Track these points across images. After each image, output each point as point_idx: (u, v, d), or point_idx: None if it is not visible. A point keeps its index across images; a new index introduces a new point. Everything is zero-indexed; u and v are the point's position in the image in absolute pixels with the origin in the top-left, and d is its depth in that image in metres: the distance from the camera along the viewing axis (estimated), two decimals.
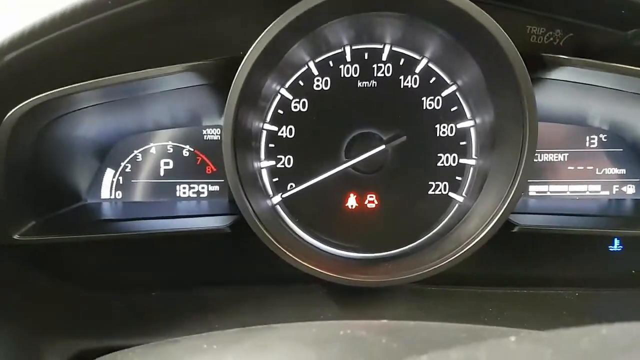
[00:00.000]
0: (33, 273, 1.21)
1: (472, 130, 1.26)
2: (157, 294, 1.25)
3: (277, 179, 1.28)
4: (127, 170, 1.38)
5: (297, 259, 1.15)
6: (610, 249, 1.31)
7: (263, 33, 1.05)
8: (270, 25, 1.05)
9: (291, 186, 1.28)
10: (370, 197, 1.29)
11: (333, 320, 1.14)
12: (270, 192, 1.29)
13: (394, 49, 1.24)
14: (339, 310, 1.21)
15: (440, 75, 1.25)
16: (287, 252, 1.15)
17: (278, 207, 1.29)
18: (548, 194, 1.39)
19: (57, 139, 1.20)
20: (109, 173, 1.38)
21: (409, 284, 1.23)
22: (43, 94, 1.03)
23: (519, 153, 1.13)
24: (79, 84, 1.04)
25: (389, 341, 0.72)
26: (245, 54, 1.07)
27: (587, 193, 1.39)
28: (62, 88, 1.04)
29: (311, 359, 0.70)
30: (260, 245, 1.15)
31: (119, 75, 1.06)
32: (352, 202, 1.29)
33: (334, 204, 1.29)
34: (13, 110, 1.03)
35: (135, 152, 1.38)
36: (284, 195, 1.28)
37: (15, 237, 1.11)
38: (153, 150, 1.38)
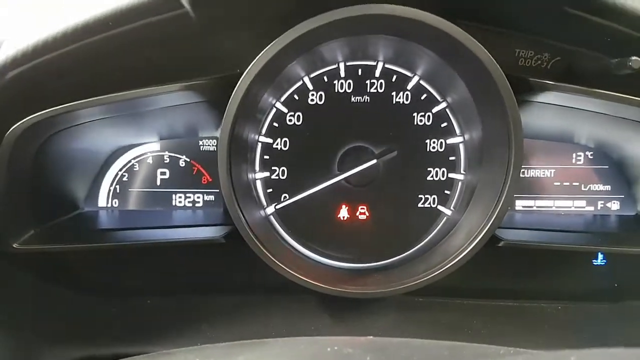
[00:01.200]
0: (32, 280, 1.24)
1: (461, 146, 1.30)
2: (152, 302, 1.28)
3: (271, 190, 1.31)
4: (124, 179, 1.41)
5: (288, 269, 1.18)
6: (594, 263, 1.34)
7: (263, 51, 1.08)
8: (271, 44, 1.08)
9: (285, 197, 1.31)
10: (361, 208, 1.32)
11: (323, 335, 1.18)
12: (264, 203, 1.32)
13: (386, 66, 1.27)
14: (329, 320, 1.25)
15: (431, 92, 1.28)
16: (279, 263, 1.18)
17: (272, 217, 1.33)
18: (534, 208, 1.43)
19: (56, 151, 1.22)
20: (106, 182, 1.40)
21: (397, 295, 1.26)
22: (44, 111, 1.06)
23: (505, 170, 1.16)
24: (79, 101, 1.07)
25: (373, 358, 0.75)
26: (242, 72, 1.10)
27: (573, 208, 1.42)
28: (63, 105, 1.07)
29: None
30: (253, 255, 1.18)
31: (118, 94, 1.08)
32: (343, 213, 1.32)
33: (326, 215, 1.32)
34: (15, 126, 1.06)
35: (132, 161, 1.40)
36: (277, 206, 1.31)
37: (15, 245, 1.14)
38: (150, 160, 1.41)
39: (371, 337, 0.88)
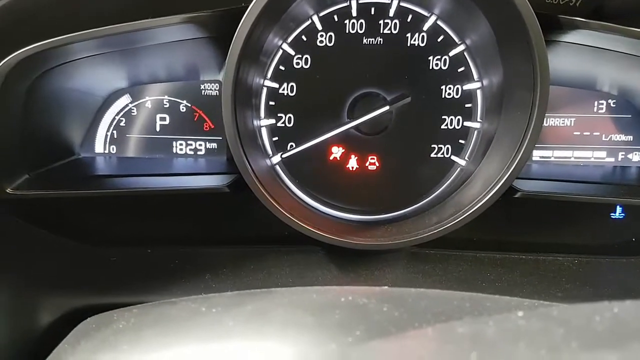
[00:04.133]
0: (27, 227, 1.19)
1: (479, 92, 1.23)
2: (152, 251, 1.24)
3: (277, 138, 1.25)
4: (122, 124, 1.34)
5: (296, 220, 1.14)
6: (612, 217, 1.30)
7: None
8: None
9: (291, 146, 1.25)
10: (371, 158, 1.26)
11: (333, 284, 1.14)
12: (270, 152, 1.26)
13: (402, 4, 1.19)
14: (337, 271, 1.21)
15: (448, 34, 1.20)
16: (286, 213, 1.13)
17: (277, 167, 1.27)
18: (552, 159, 1.37)
19: (50, 90, 1.16)
20: (103, 127, 1.33)
21: (408, 247, 1.22)
22: (36, 44, 0.99)
23: (528, 117, 1.10)
24: (73, 34, 1.00)
25: (390, 309, 0.70)
26: (247, 5, 1.03)
27: (592, 159, 1.37)
28: (57, 38, 1.00)
29: (310, 324, 0.69)
30: (259, 205, 1.13)
31: (115, 26, 1.01)
32: (352, 163, 1.27)
33: (334, 166, 1.27)
34: (5, 59, 1.00)
35: (130, 105, 1.33)
36: (283, 155, 1.25)
37: (8, 191, 1.09)
38: (148, 104, 1.34)
39: (386, 287, 0.84)
